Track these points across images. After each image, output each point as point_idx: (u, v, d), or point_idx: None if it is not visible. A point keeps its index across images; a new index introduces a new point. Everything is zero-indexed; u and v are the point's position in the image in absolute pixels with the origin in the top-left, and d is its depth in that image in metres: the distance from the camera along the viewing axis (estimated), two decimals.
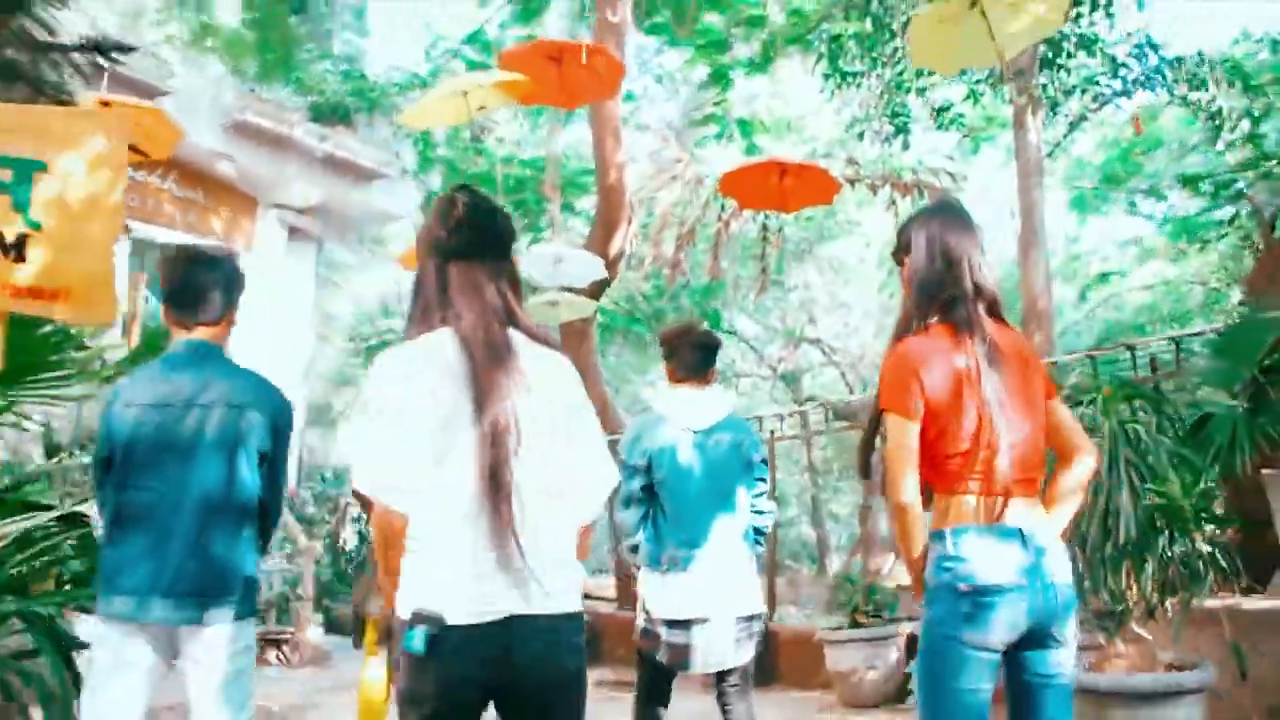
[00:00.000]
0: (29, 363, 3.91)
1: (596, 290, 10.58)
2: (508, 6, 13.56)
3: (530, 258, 9.24)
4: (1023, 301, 10.34)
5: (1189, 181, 11.52)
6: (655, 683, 3.97)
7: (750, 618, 3.83)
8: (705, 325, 4.67)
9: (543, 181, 13.23)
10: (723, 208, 11.44)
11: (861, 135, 13.66)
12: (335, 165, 12.04)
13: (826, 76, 12.82)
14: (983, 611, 2.46)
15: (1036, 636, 2.51)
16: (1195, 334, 6.62)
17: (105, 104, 5.21)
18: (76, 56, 4.82)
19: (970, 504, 2.54)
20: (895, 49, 12.19)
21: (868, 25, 12.33)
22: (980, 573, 2.48)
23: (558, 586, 2.11)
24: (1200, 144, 11.65)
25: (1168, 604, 4.70)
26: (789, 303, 20.63)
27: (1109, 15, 10.00)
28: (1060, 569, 2.55)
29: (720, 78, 13.45)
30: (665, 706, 3.99)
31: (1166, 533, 4.52)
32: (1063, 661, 2.56)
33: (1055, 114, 11.62)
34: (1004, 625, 2.46)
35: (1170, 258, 16.70)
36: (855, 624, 7.48)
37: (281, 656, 9.96)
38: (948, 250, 2.68)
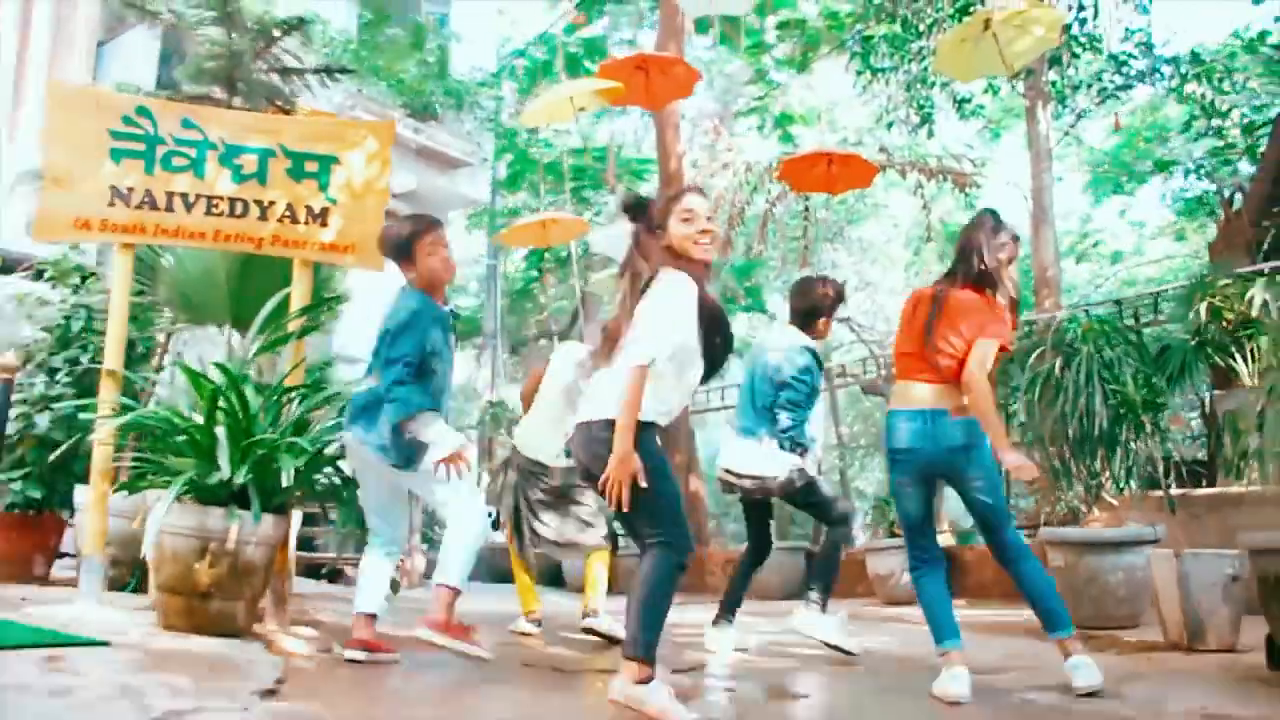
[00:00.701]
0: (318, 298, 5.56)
1: None
2: (572, 9, 15.10)
3: (609, 238, 10.81)
4: (1034, 272, 11.86)
5: (1163, 166, 12.96)
6: None
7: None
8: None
9: (603, 170, 14.79)
10: (769, 192, 12.97)
11: (890, 125, 15.17)
12: (428, 155, 13.66)
13: (859, 73, 14.31)
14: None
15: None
16: (1169, 290, 8.20)
17: (315, 113, 6.88)
18: (309, 76, 6.45)
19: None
20: (921, 48, 13.67)
21: (898, 27, 13.80)
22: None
23: None
24: (1202, 132, 13.02)
25: (1133, 487, 6.29)
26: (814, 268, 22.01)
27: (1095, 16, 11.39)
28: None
29: (762, 76, 14.98)
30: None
31: (1132, 432, 6.09)
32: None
33: (1064, 107, 13.06)
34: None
35: (1174, 236, 18.10)
36: (892, 534, 9.02)
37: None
38: (963, 241, 4.25)
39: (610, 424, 3.16)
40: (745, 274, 18.53)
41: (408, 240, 4.30)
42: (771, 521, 5.50)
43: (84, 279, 6.52)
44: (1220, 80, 11.14)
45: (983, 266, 4.10)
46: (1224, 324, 6.79)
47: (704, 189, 4.73)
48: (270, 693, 3.28)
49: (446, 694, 3.81)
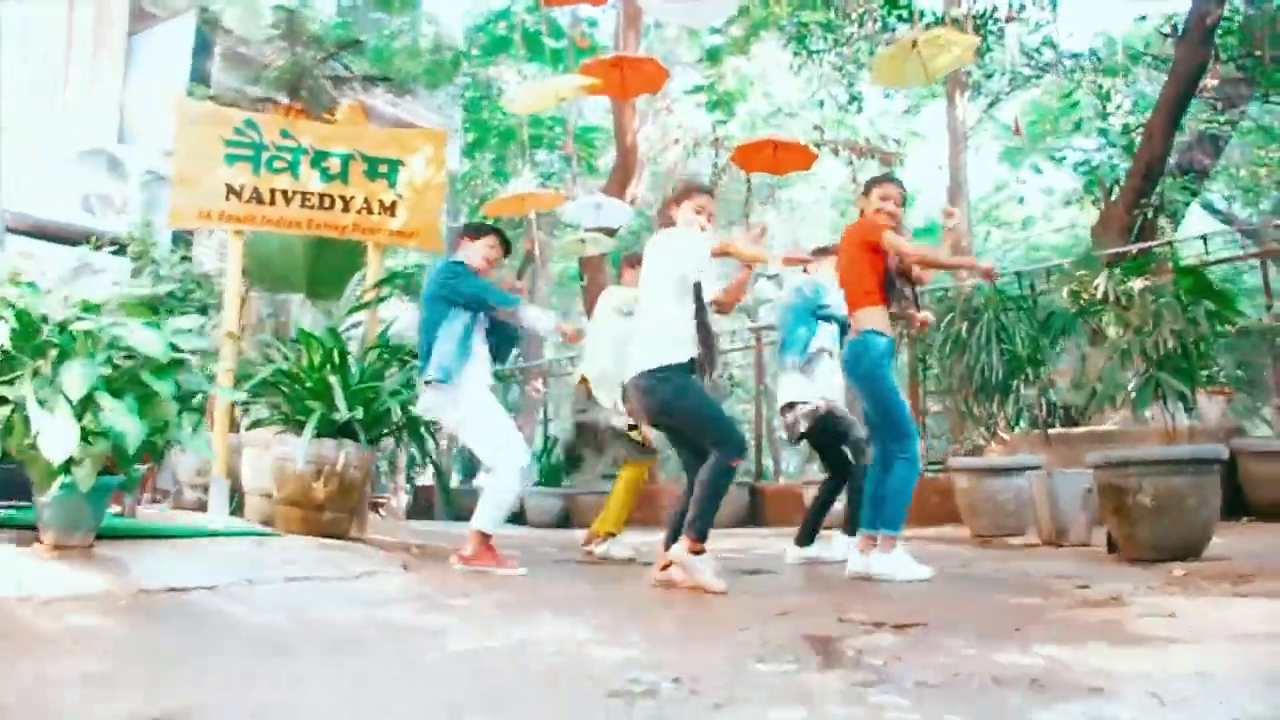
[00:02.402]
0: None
1: (611, 231, 13.49)
2: None
3: (576, 204, 12.12)
4: (948, 242, 13.46)
5: (1054, 159, 14.68)
6: None
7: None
8: None
9: (561, 140, 16.05)
10: (716, 165, 14.39)
11: (821, 104, 16.68)
12: (404, 127, 14.77)
13: (795, 54, 15.73)
14: None
15: None
16: (1060, 265, 9.83)
17: (354, 108, 8.11)
18: (356, 84, 7.69)
19: None
20: (851, 34, 15.12)
21: (831, 14, 15.22)
22: None
23: None
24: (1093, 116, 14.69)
25: (1022, 424, 7.90)
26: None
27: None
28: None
29: (712, 56, 16.33)
30: None
31: (1020, 379, 7.69)
32: None
33: (979, 93, 14.66)
34: None
35: (1080, 207, 19.94)
36: None
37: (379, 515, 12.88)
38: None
39: (653, 372, 4.52)
40: None
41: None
42: (840, 448, 5.97)
43: (183, 258, 7.70)
44: (1117, 73, 12.77)
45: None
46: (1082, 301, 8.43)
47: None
48: (404, 568, 4.71)
49: (518, 580, 5.00)
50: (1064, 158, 14.80)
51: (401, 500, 13.45)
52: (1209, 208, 17.28)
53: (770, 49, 18.19)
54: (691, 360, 4.46)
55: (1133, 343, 5.82)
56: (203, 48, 9.28)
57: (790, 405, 5.94)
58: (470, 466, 14.57)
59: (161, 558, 4.07)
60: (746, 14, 15.30)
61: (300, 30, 6.90)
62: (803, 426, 5.88)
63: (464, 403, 5.22)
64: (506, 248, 5.62)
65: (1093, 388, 8.77)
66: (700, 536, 4.34)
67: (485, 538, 5.13)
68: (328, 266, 6.83)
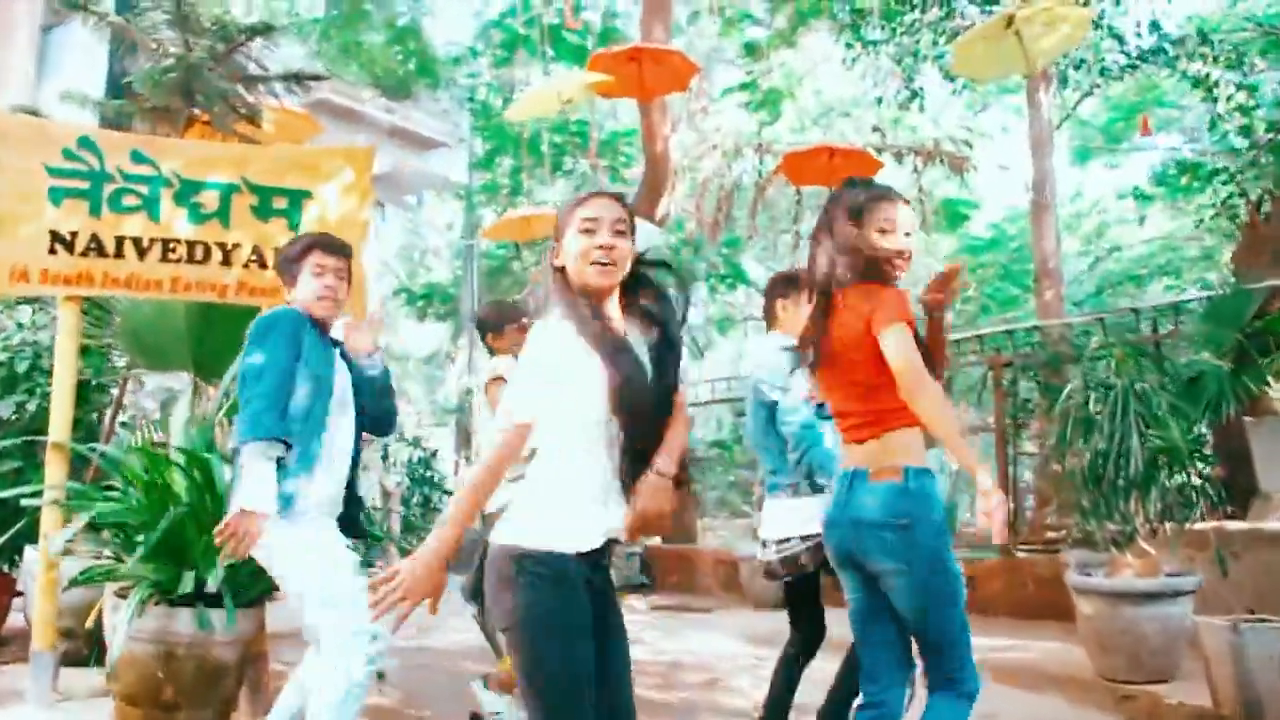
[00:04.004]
0: None
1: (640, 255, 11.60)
2: None
3: None
4: (1035, 261, 11.44)
5: (1186, 170, 12.54)
6: None
7: None
8: None
9: (586, 149, 14.19)
10: (759, 173, 12.46)
11: (879, 101, 14.66)
12: (401, 136, 13.03)
13: (848, 45, 13.76)
14: None
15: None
16: (1190, 300, 7.77)
17: (285, 113, 6.33)
18: (277, 84, 5.86)
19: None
20: (914, 20, 13.14)
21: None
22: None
23: None
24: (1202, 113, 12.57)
25: (1167, 526, 5.88)
26: (804, 250, 21.59)
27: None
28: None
29: (752, 50, 14.39)
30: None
31: (1166, 469, 5.68)
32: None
33: (1065, 87, 12.57)
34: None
35: (1169, 214, 17.74)
36: None
37: None
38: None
39: None
40: (729, 247, 18.09)
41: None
42: (820, 604, 4.05)
43: (35, 310, 5.94)
44: (1229, 62, 10.67)
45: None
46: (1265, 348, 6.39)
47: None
48: None
49: None
50: (1197, 167, 12.56)
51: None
52: None
53: (820, 41, 16.27)
54: None
55: None
56: (119, 48, 7.51)
57: (784, 540, 3.90)
58: None
59: None
60: (791, 1, 13.36)
61: (190, 16, 5.04)
62: (807, 566, 3.85)
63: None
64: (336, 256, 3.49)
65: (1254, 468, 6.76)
66: None
67: None
68: (222, 334, 4.97)
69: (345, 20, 12.96)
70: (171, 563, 3.77)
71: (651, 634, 7.69)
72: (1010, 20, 6.66)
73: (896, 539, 2.75)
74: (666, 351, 2.45)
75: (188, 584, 3.63)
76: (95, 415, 6.10)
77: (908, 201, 3.06)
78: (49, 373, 5.16)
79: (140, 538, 3.85)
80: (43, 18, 8.28)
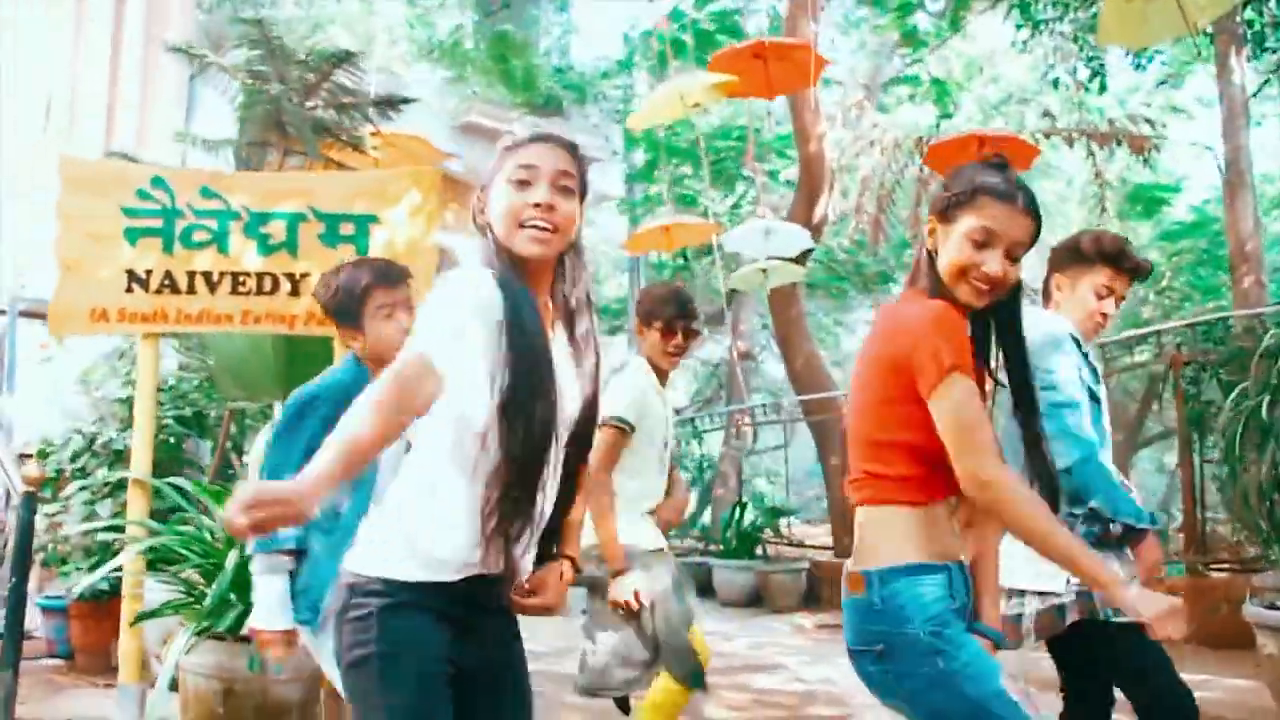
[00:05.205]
0: None
1: (801, 258, 11.16)
2: None
3: (741, 232, 9.92)
4: (1230, 245, 10.36)
5: None
6: None
7: None
8: None
9: (744, 153, 13.85)
10: (921, 168, 11.81)
11: (1056, 83, 13.70)
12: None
13: (1018, 26, 12.90)
14: None
15: None
16: None
17: (376, 134, 6.32)
18: (370, 109, 5.84)
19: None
20: None
21: None
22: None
23: None
24: None
25: None
26: None
27: None
28: None
29: (910, 37, 13.72)
30: None
31: None
32: None
33: (1264, 50, 11.36)
34: None
35: None
36: None
37: None
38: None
39: None
40: (904, 248, 17.36)
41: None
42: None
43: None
44: None
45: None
46: None
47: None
48: None
49: None
50: None
51: None
52: None
53: (992, 25, 15.40)
54: None
55: None
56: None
57: (1014, 593, 2.90)
58: None
59: None
60: None
61: (278, 51, 5.07)
62: (1028, 635, 2.90)
63: None
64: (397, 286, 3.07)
65: None
66: None
67: None
68: (305, 363, 4.93)
69: (490, 45, 13.09)
70: (225, 600, 3.70)
71: (795, 660, 7.29)
72: None
73: (878, 672, 2.09)
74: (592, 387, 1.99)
75: (229, 619, 3.56)
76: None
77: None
78: (161, 405, 5.29)
79: (206, 568, 3.83)
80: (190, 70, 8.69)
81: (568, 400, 1.92)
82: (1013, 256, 2.07)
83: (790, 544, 12.01)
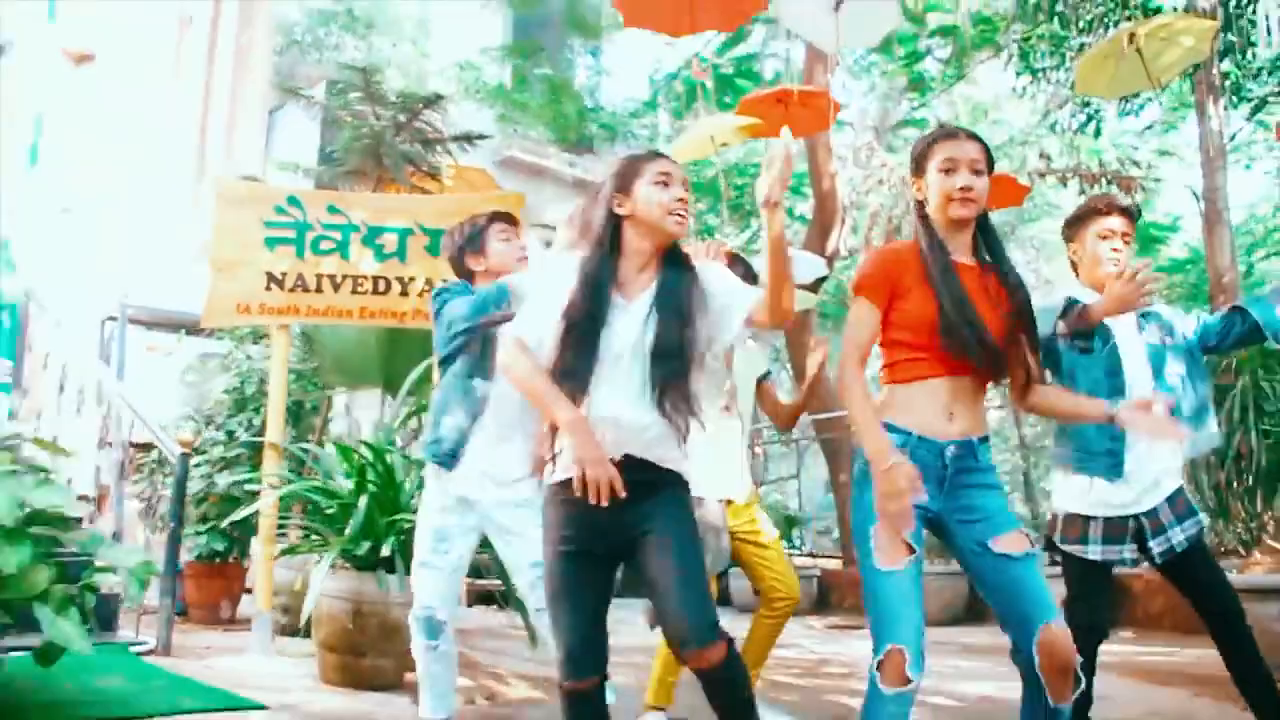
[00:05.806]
0: None
1: (815, 285, 12.08)
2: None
3: (758, 260, 10.85)
4: (1210, 277, 11.26)
5: None
6: None
7: None
8: None
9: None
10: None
11: (1053, 126, 14.68)
12: (583, 187, 14.05)
13: (1018, 74, 13.89)
14: None
15: None
16: None
17: (463, 170, 7.27)
18: (451, 144, 6.82)
19: None
20: (1082, 44, 13.16)
21: (1056, 25, 13.32)
22: None
23: None
24: None
25: None
26: None
27: None
28: None
29: (918, 83, 14.71)
30: None
31: None
32: None
33: (1239, 99, 12.32)
34: None
35: None
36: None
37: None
38: None
39: None
40: None
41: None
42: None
43: (256, 340, 7.04)
44: None
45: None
46: None
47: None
48: None
49: None
50: None
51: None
52: None
53: (994, 72, 16.41)
54: None
55: None
56: (334, 121, 8.73)
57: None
58: None
59: None
60: (953, 34, 13.66)
61: (377, 93, 6.04)
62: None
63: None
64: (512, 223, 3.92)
65: None
66: None
67: None
68: (404, 355, 5.90)
69: (546, 89, 14.11)
70: (356, 533, 4.60)
71: (809, 641, 8.12)
72: (1131, 37, 6.93)
73: None
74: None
75: (363, 550, 4.45)
76: (309, 438, 7.15)
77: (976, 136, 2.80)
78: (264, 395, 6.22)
79: (331, 513, 4.73)
80: (269, 102, 9.70)
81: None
82: (975, 170, 2.73)
83: (803, 553, 12.86)
